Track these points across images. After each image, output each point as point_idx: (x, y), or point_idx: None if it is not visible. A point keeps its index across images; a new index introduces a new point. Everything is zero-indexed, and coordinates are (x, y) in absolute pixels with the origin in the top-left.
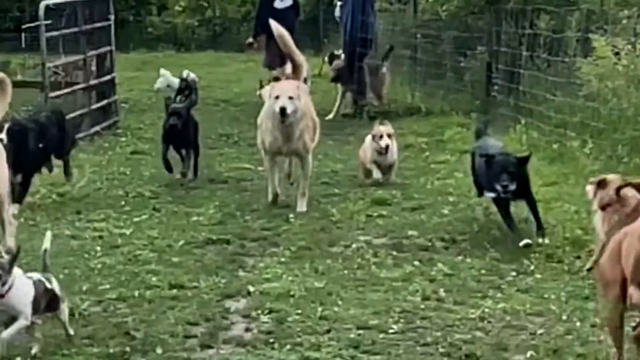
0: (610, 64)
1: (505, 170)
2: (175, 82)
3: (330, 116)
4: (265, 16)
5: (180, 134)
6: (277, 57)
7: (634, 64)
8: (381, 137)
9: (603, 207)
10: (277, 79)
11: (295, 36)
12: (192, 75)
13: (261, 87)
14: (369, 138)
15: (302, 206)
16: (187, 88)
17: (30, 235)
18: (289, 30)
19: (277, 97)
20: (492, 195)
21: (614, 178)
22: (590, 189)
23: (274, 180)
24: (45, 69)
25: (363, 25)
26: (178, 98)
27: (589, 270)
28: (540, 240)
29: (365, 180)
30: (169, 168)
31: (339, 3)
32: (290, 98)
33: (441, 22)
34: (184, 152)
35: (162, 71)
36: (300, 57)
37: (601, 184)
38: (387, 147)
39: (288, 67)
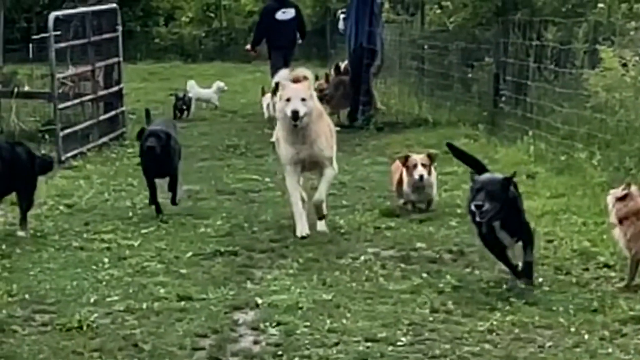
0: (618, 75)
1: (484, 189)
2: (203, 92)
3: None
4: (267, 27)
5: (160, 160)
6: (282, 67)
7: None
8: (415, 166)
9: (620, 221)
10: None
11: (295, 49)
12: (222, 85)
13: (263, 94)
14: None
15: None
16: (183, 104)
17: (38, 247)
18: (290, 42)
19: (288, 100)
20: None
21: (635, 190)
22: (610, 199)
23: (297, 202)
24: (54, 80)
25: (371, 36)
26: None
27: (626, 286)
28: (520, 284)
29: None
30: (158, 208)
31: (342, 16)
32: (303, 100)
33: (448, 34)
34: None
35: (190, 83)
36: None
37: (625, 197)
38: (421, 176)
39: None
